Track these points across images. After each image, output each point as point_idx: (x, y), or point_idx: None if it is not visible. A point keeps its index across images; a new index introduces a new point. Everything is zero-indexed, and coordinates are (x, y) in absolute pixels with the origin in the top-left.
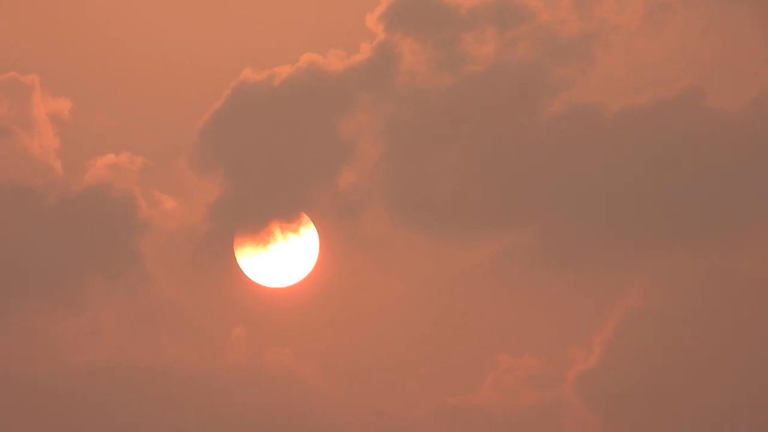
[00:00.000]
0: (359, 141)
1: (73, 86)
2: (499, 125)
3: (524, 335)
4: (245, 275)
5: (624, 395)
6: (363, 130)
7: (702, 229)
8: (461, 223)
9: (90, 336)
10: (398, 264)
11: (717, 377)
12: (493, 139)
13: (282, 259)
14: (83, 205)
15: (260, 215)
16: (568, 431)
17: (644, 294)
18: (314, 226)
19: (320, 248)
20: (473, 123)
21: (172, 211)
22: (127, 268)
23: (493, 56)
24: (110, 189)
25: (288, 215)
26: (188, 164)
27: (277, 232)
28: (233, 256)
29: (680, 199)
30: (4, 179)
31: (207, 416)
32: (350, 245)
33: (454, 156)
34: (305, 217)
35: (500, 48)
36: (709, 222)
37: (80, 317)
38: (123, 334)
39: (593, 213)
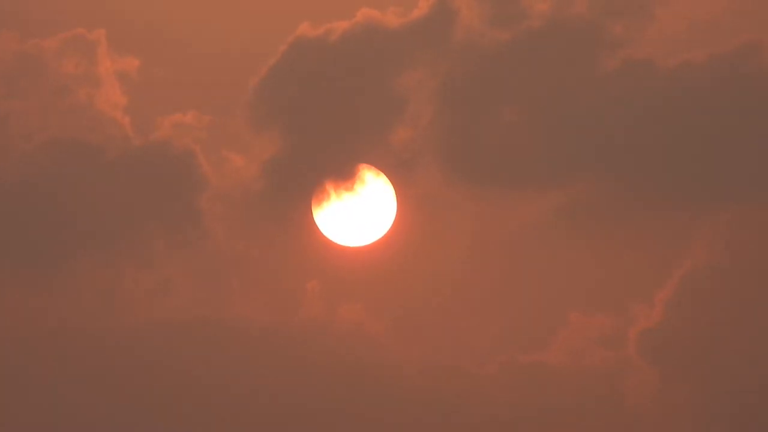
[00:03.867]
0: (415, 97)
1: (140, 43)
2: (555, 81)
3: (584, 292)
4: (317, 230)
5: (686, 354)
6: (419, 87)
7: (763, 183)
8: (515, 180)
9: (158, 292)
10: (455, 222)
11: None
12: (549, 96)
13: (353, 216)
14: (147, 161)
15: (316, 172)
16: (629, 390)
17: (707, 249)
18: (391, 186)
19: (397, 207)
20: (529, 79)
21: (233, 167)
22: (191, 225)
23: (549, 12)
24: (173, 146)
25: (343, 173)
26: (245, 121)
27: (331, 190)
28: (299, 210)
29: (740, 153)
30: (71, 136)
31: (279, 370)
32: (418, 203)
33: (509, 113)
34: (362, 175)
35: (557, 4)
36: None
37: (146, 273)
38: (191, 289)
39: (651, 169)
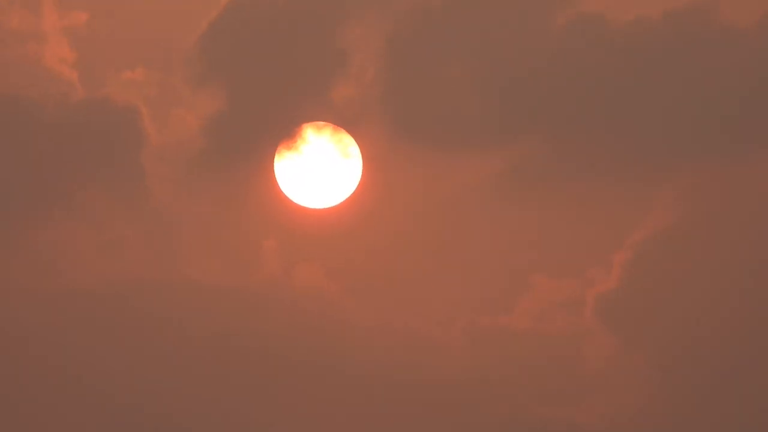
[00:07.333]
0: (361, 53)
1: None
2: (505, 36)
3: (546, 255)
4: (274, 188)
5: (643, 318)
6: (364, 42)
7: (720, 144)
8: (464, 138)
9: (106, 251)
10: (404, 183)
11: (744, 298)
12: (497, 53)
13: (310, 177)
14: (93, 119)
15: (262, 130)
16: (589, 353)
17: (665, 212)
18: (358, 149)
19: (363, 169)
20: (477, 34)
21: (178, 125)
22: (136, 183)
23: None
24: (119, 103)
25: (287, 131)
26: (188, 77)
27: (276, 148)
28: (248, 169)
29: (695, 112)
30: (13, 92)
31: (234, 329)
32: (367, 164)
33: (456, 71)
34: (304, 135)
35: None
36: (727, 136)
37: (92, 232)
38: (140, 249)
39: (605, 129)
